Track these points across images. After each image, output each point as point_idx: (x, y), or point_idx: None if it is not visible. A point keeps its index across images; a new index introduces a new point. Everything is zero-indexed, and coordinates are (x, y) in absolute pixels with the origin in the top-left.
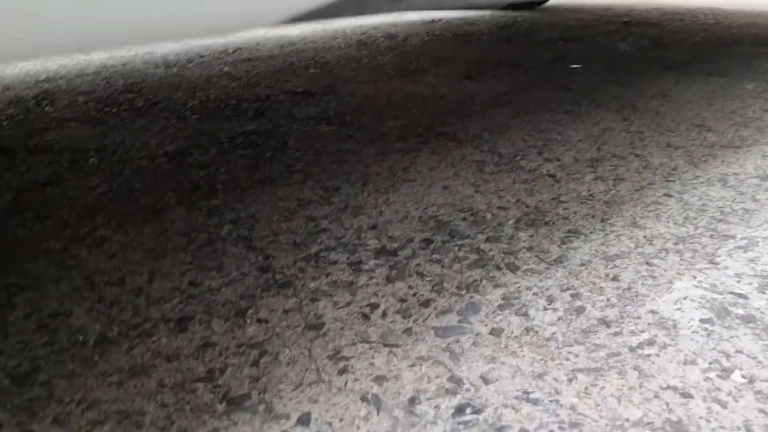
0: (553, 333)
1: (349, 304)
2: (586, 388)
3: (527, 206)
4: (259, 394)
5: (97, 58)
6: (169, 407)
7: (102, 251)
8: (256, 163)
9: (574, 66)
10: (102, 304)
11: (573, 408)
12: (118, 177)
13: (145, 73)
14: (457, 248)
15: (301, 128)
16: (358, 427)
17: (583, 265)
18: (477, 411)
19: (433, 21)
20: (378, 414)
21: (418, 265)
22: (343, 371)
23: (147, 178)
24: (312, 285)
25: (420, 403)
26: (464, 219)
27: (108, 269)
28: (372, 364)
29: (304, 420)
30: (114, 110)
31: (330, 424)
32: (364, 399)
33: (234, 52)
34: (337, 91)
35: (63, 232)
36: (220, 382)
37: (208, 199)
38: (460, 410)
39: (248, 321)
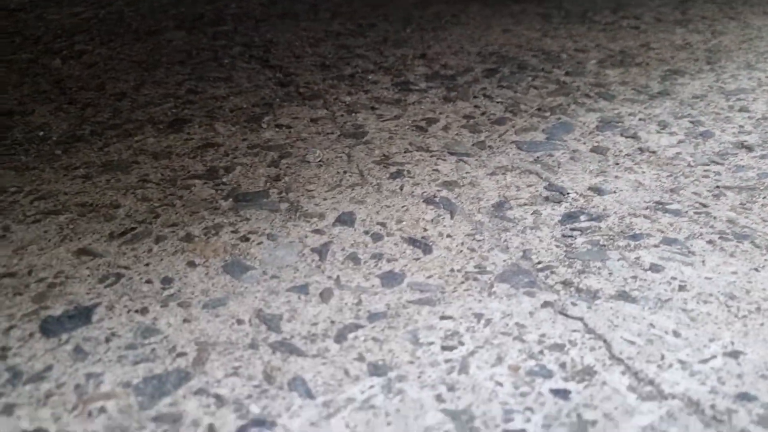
0: (678, 153)
1: (397, 117)
2: (742, 204)
3: (610, 50)
4: (281, 193)
5: None
6: (152, 201)
7: (79, 62)
8: (273, 2)
9: None
10: (73, 106)
11: (732, 221)
12: (107, 6)
13: None
14: (530, 78)
15: None
16: (425, 230)
17: (696, 98)
18: (595, 219)
19: None
20: (452, 217)
21: (483, 89)
22: (396, 175)
23: (142, 8)
24: (347, 99)
25: (511, 208)
26: (534, 56)
27: (84, 77)
28: (436, 170)
29: (346, 219)
30: None
31: (384, 225)
32: (429, 202)
33: None
34: None
35: (33, 46)
36: (225, 180)
37: (215, 26)
38: (570, 217)
39: (264, 126)
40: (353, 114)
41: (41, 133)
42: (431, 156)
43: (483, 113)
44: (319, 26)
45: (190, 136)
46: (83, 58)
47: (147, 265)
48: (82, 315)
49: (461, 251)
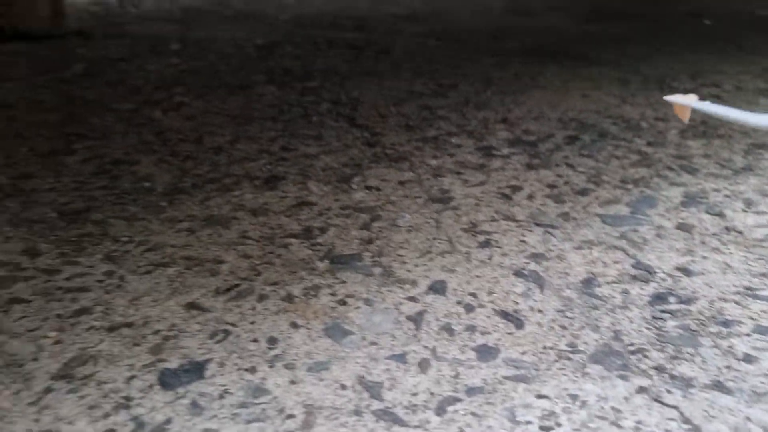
0: (766, 235)
1: (482, 183)
2: None
3: (691, 119)
4: (373, 257)
5: None
6: (253, 258)
7: (178, 114)
8: (358, 60)
9: (707, 21)
10: (174, 158)
11: None
12: (201, 60)
13: None
14: (611, 147)
15: (407, 40)
16: (516, 303)
17: None
18: (685, 301)
19: None
20: (541, 291)
21: (565, 157)
22: (485, 245)
23: (233, 63)
24: (433, 162)
25: (599, 285)
26: (614, 124)
27: (184, 129)
28: (523, 241)
29: (438, 288)
30: (200, 15)
31: (475, 295)
32: (518, 275)
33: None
34: (443, 17)
35: (135, 96)
36: (320, 240)
37: (303, 81)
38: (659, 298)
39: (355, 187)
40: (439, 178)
41: (147, 184)
42: (518, 226)
43: (566, 183)
44: (402, 85)
45: (285, 194)
46: (182, 110)
47: (252, 323)
48: (196, 370)
49: (552, 328)
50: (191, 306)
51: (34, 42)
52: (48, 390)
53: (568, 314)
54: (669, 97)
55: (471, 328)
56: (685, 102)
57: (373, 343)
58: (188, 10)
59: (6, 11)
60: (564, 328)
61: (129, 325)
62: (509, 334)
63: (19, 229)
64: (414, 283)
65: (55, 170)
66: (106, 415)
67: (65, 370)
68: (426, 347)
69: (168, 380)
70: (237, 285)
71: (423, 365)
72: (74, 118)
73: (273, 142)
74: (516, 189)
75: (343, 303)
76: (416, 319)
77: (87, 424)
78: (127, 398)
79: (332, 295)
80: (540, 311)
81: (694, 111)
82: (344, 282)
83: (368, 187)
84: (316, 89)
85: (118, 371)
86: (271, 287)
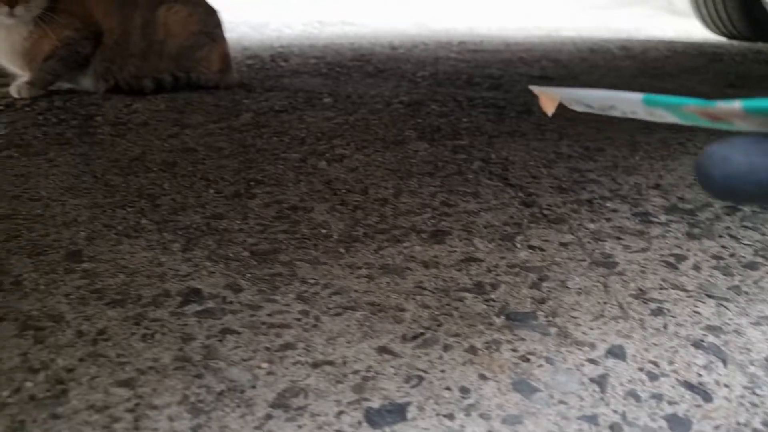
0: None
1: (644, 250)
2: None
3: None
4: (547, 316)
5: (326, 34)
6: (432, 309)
7: (342, 165)
8: (501, 119)
9: None
10: (344, 207)
11: None
12: (353, 114)
13: (372, 50)
14: None
15: None
16: (700, 375)
17: None
18: None
19: (671, 41)
20: (725, 366)
21: (727, 228)
22: (657, 313)
23: (384, 118)
24: (591, 226)
25: None
26: None
27: (349, 180)
28: (697, 312)
29: (617, 353)
30: (344, 71)
31: (656, 364)
32: (698, 346)
33: (458, 43)
34: (577, 77)
35: (300, 147)
36: (493, 296)
37: (452, 139)
38: None
39: (518, 246)
40: (599, 242)
41: (324, 231)
42: (688, 296)
43: (732, 255)
44: (548, 147)
45: (453, 249)
46: (344, 161)
47: (442, 371)
48: (398, 411)
49: (742, 404)
50: (383, 350)
51: (203, 92)
52: (268, 416)
53: (758, 391)
54: (535, 88)
55: (657, 397)
56: (552, 92)
57: (561, 402)
58: (332, 65)
59: (183, 65)
60: (755, 405)
61: (330, 363)
62: (698, 406)
63: (218, 265)
64: (592, 345)
65: (242, 212)
66: None
67: (281, 400)
68: (615, 411)
69: (374, 419)
70: (422, 333)
71: (615, 429)
72: (250, 165)
73: (433, 197)
74: (680, 258)
75: (525, 360)
76: (600, 382)
77: None
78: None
79: (514, 351)
80: (727, 386)
81: (561, 101)
82: (523, 339)
83: (531, 247)
84: (466, 147)
85: (328, 405)
86: (453, 338)
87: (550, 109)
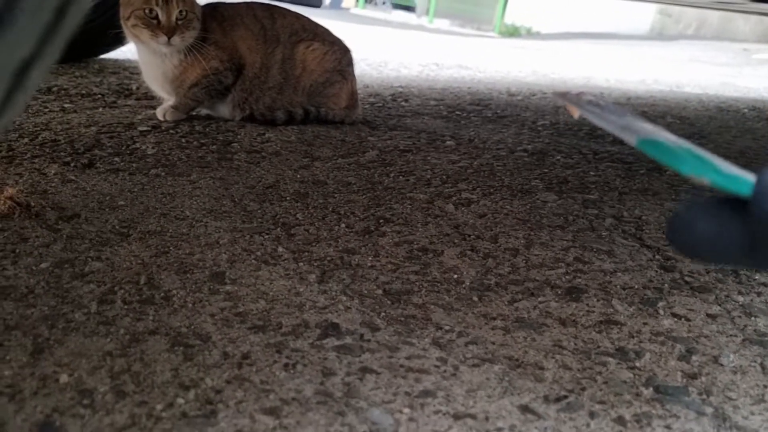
0: None
1: None
2: None
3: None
4: (700, 394)
5: (443, 77)
6: (573, 371)
7: (469, 210)
8: (630, 175)
9: None
10: (475, 253)
11: None
12: (477, 158)
13: (490, 95)
14: None
15: None
16: None
17: None
18: None
19: None
20: None
21: None
22: None
23: (508, 165)
24: (740, 299)
25: None
26: None
27: (478, 226)
28: None
29: None
30: (464, 114)
31: None
32: None
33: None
34: (706, 137)
35: (426, 188)
36: (638, 364)
37: (581, 192)
38: None
39: (661, 312)
40: (752, 318)
41: (455, 276)
42: None
43: None
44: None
45: (590, 309)
46: (471, 207)
47: None
48: None
49: None
50: (525, 409)
51: (330, 127)
52: None
53: None
54: (559, 95)
55: None
56: (574, 103)
57: None
58: (452, 108)
59: (315, 100)
60: None
61: (472, 416)
62: None
63: (353, 301)
64: None
65: (373, 249)
66: None
67: None
68: None
69: None
70: (565, 396)
71: None
72: (379, 202)
73: (566, 251)
74: None
75: None
76: None
77: None
78: None
79: (667, 428)
80: None
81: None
82: (676, 416)
83: (675, 315)
84: (596, 202)
85: None
86: (599, 405)
87: (575, 113)
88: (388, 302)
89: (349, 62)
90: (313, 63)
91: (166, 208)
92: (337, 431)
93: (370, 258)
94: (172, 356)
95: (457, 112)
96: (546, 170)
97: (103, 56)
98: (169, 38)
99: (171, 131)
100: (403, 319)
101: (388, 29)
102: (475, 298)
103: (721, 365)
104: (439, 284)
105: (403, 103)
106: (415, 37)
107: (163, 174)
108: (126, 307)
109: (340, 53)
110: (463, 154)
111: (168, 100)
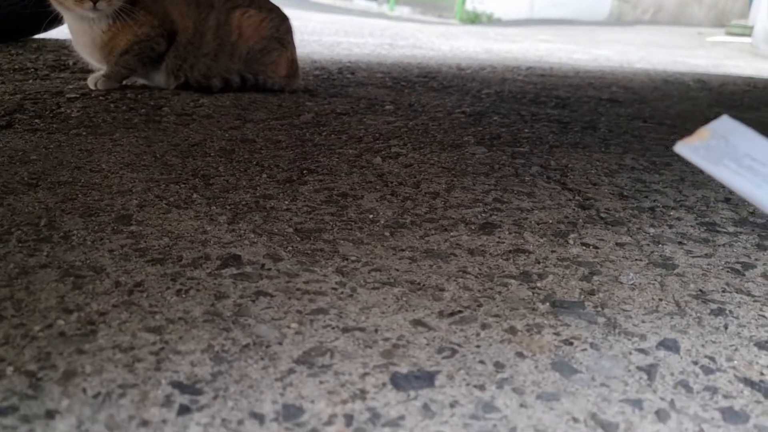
0: None
1: (708, 256)
2: None
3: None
4: (596, 307)
5: (395, 54)
6: (474, 291)
7: (396, 162)
8: (564, 132)
9: None
10: (395, 197)
11: None
12: (413, 120)
13: (439, 69)
14: None
15: (612, 120)
16: (762, 374)
17: None
18: None
19: (752, 77)
20: None
21: None
22: (717, 313)
23: (444, 125)
24: (652, 231)
25: None
26: None
27: (402, 174)
28: (763, 316)
29: (670, 346)
30: (409, 85)
31: (713, 359)
32: (762, 347)
33: (527, 69)
34: (647, 103)
35: (357, 144)
36: (539, 284)
37: (512, 146)
38: None
39: (570, 242)
40: (659, 245)
41: (371, 216)
42: (754, 301)
43: None
44: (612, 159)
45: (501, 240)
46: (399, 159)
47: (477, 347)
48: (426, 378)
49: None
50: (417, 323)
51: (269, 94)
52: (291, 371)
53: None
54: (682, 148)
55: (711, 389)
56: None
57: (603, 385)
58: (398, 79)
59: (252, 68)
60: None
61: (361, 329)
62: (758, 402)
63: (261, 238)
64: (643, 337)
65: (291, 195)
66: (344, 402)
67: (306, 358)
68: (662, 399)
69: (400, 382)
70: (460, 312)
71: (661, 415)
72: (306, 157)
73: (486, 194)
74: (748, 266)
75: (569, 343)
76: (649, 371)
77: (326, 405)
78: (362, 391)
79: (556, 334)
80: None
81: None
82: (567, 325)
83: (584, 244)
84: (525, 154)
85: (353, 366)
86: (493, 318)
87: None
88: (298, 239)
89: (288, 30)
90: (248, 29)
91: (82, 162)
92: (219, 344)
93: (286, 202)
94: (60, 286)
95: (402, 83)
96: (481, 129)
97: (43, 35)
98: (94, 3)
99: (101, 98)
100: (309, 252)
101: (347, 17)
102: (387, 234)
103: (621, 283)
104: (353, 223)
105: (348, 76)
106: (375, 23)
107: (84, 134)
108: (20, 245)
109: (278, 21)
110: (400, 117)
111: (101, 69)
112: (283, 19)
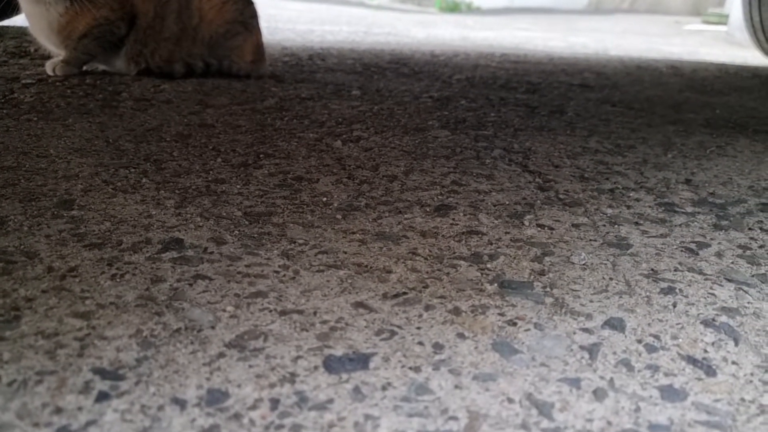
0: None
1: (663, 236)
2: None
3: None
4: (545, 287)
5: (369, 41)
6: (421, 273)
7: (356, 145)
8: (531, 117)
9: None
10: (351, 180)
11: None
12: (379, 104)
13: (411, 56)
14: None
15: (580, 104)
16: (706, 351)
17: None
18: None
19: (724, 64)
20: (736, 345)
21: (759, 222)
22: (667, 291)
23: (409, 109)
24: (609, 211)
25: None
26: None
27: (361, 158)
28: (712, 294)
29: (616, 325)
30: (379, 71)
31: (657, 337)
32: (708, 325)
33: (501, 55)
34: (618, 88)
35: (319, 128)
36: (489, 266)
37: (476, 130)
38: None
39: (526, 224)
40: (615, 226)
41: (324, 199)
42: (705, 279)
43: (761, 246)
44: (576, 142)
45: (455, 222)
46: (360, 142)
47: (418, 328)
48: (360, 360)
49: (751, 381)
50: (359, 305)
51: (233, 80)
52: (221, 355)
53: None
54: None
55: (653, 368)
56: None
57: (543, 365)
58: (368, 65)
59: (216, 52)
60: (766, 383)
61: (300, 312)
62: (699, 379)
63: (208, 222)
64: (589, 316)
65: (244, 179)
66: (272, 385)
67: (238, 341)
68: (602, 378)
69: (332, 365)
70: (404, 293)
71: (599, 394)
72: (264, 141)
73: (445, 176)
74: (702, 245)
75: (512, 324)
76: (591, 350)
77: (253, 389)
78: (293, 374)
79: (501, 315)
80: (735, 363)
81: None
82: (514, 305)
83: (540, 225)
84: (488, 137)
85: (286, 350)
86: (438, 300)
87: None
88: (246, 222)
89: (253, 14)
90: (211, 13)
91: (29, 147)
92: (149, 329)
93: (238, 186)
94: None
95: (372, 69)
96: (447, 113)
97: (6, 23)
98: None
99: (57, 84)
100: (256, 235)
101: (325, 6)
102: (339, 217)
103: (572, 263)
104: (305, 206)
105: (318, 62)
106: (353, 12)
107: (35, 119)
108: None
109: (242, 4)
110: (366, 101)
111: (59, 54)
112: (248, 3)
